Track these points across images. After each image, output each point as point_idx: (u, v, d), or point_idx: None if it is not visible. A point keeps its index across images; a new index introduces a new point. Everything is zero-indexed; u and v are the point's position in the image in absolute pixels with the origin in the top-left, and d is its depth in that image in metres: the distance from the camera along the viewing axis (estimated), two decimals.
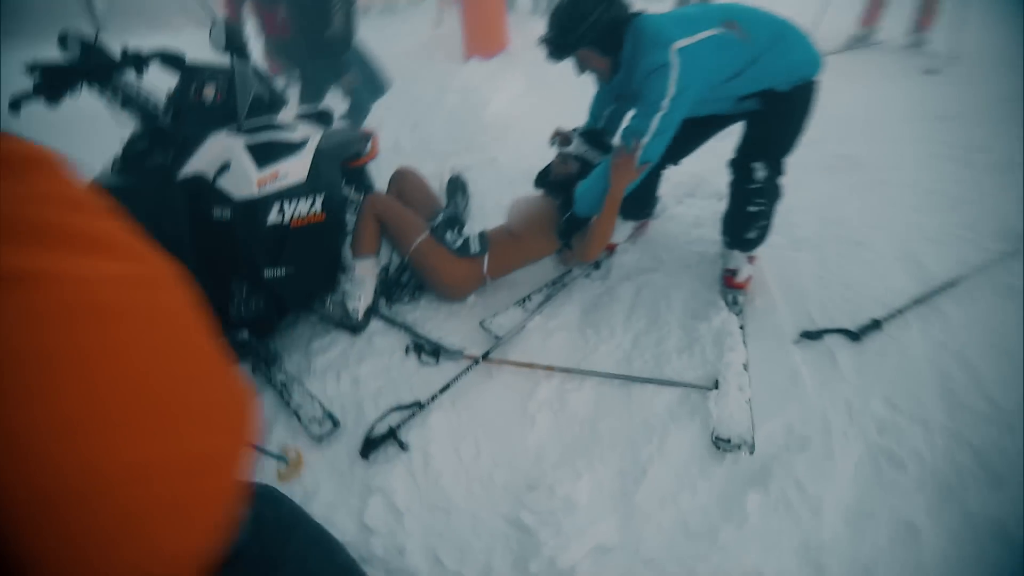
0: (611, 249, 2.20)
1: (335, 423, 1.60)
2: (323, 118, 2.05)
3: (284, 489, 1.45)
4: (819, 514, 1.25)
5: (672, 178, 2.31)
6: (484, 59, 5.11)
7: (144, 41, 1.82)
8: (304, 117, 1.99)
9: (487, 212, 2.70)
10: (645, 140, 1.59)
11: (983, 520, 1.22)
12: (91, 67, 1.48)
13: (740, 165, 1.76)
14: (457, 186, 2.71)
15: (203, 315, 0.49)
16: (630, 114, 1.68)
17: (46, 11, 6.82)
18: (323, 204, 1.82)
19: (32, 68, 1.46)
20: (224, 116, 1.72)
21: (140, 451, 0.38)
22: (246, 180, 1.62)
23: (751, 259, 1.87)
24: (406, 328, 1.93)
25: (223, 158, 1.64)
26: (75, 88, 1.50)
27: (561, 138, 1.98)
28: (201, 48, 1.68)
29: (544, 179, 2.07)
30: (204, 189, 1.62)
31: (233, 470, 0.47)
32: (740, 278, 1.84)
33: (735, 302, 1.83)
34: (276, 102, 1.95)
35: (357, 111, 3.52)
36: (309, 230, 1.78)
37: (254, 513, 0.84)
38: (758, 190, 1.72)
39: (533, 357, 1.75)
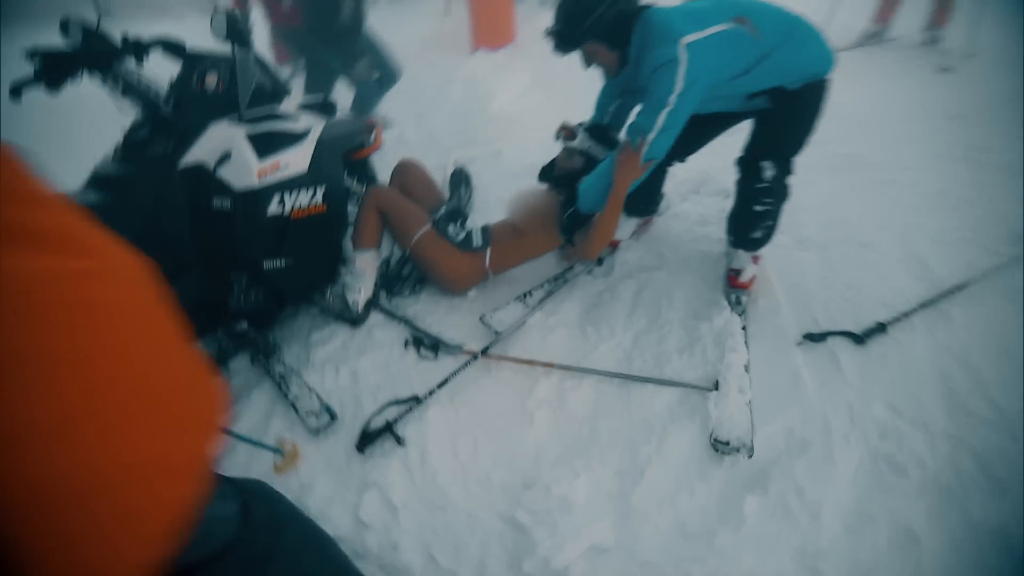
0: (614, 246, 2.18)
1: (332, 416, 1.60)
2: (326, 108, 2.03)
3: (280, 482, 1.46)
4: (818, 519, 1.24)
5: (677, 175, 2.28)
6: (491, 51, 5.07)
7: (147, 28, 1.80)
8: (307, 107, 1.97)
9: (490, 206, 2.68)
10: (651, 137, 1.56)
11: (984, 527, 1.20)
12: (91, 54, 1.47)
13: (748, 164, 1.74)
14: (460, 179, 2.69)
15: (170, 310, 0.48)
16: (636, 109, 1.65)
17: None
18: (324, 196, 1.80)
19: (32, 54, 1.45)
20: (226, 105, 1.71)
21: (86, 456, 0.37)
22: (247, 170, 1.61)
23: (755, 259, 1.84)
24: (406, 322, 1.92)
25: (224, 148, 1.63)
26: (75, 75, 1.48)
27: (566, 132, 1.95)
28: (204, 36, 1.66)
29: (548, 173, 2.04)
30: (204, 179, 1.61)
31: (191, 476, 0.46)
32: (744, 278, 1.82)
33: (738, 302, 1.81)
34: (278, 92, 1.94)
35: (363, 101, 3.49)
36: (310, 222, 1.77)
37: (245, 509, 0.84)
38: (766, 189, 1.70)
39: (533, 354, 1.73)
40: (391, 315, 1.97)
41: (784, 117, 1.66)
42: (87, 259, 0.44)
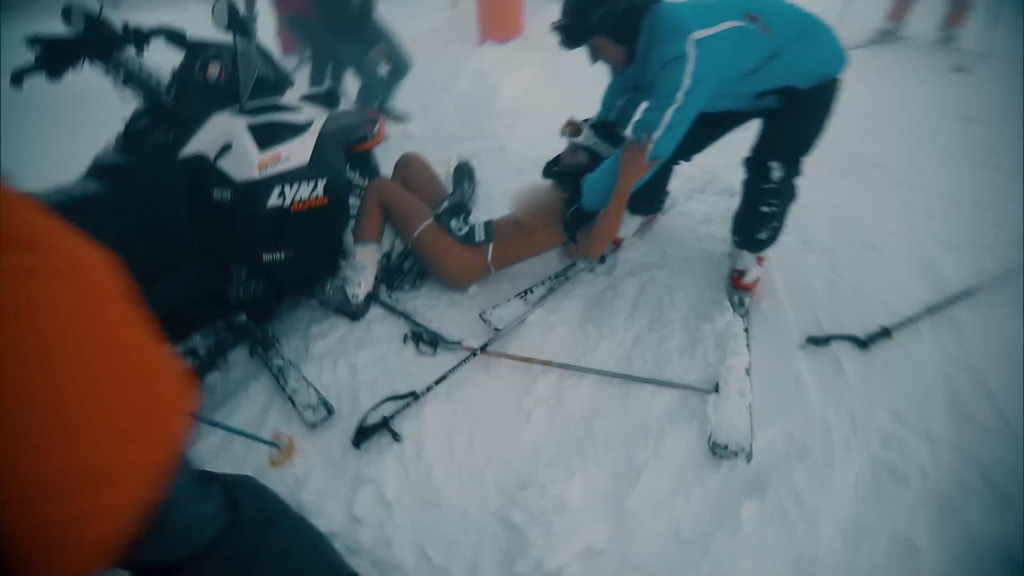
0: (617, 243, 2.15)
1: (329, 410, 1.60)
2: (329, 100, 2.01)
3: (275, 475, 1.46)
4: (815, 526, 1.22)
5: (683, 172, 2.25)
6: (499, 43, 5.04)
7: (151, 17, 1.79)
8: (310, 98, 1.95)
9: (494, 200, 2.66)
10: (657, 134, 1.53)
11: (986, 540, 1.18)
12: (91, 42, 1.45)
13: (756, 164, 1.70)
14: (464, 173, 2.67)
15: (137, 308, 0.47)
16: (643, 106, 1.62)
17: None
18: (325, 188, 1.79)
19: (32, 41, 1.44)
20: (228, 95, 1.70)
21: (45, 458, 0.36)
22: (247, 162, 1.60)
23: (760, 260, 1.82)
24: (406, 316, 1.91)
25: (225, 139, 1.62)
26: (76, 63, 1.47)
27: (572, 128, 1.93)
28: (207, 26, 1.65)
29: (552, 169, 2.02)
30: (205, 170, 1.60)
31: (143, 483, 0.44)
32: (748, 279, 1.80)
33: (741, 304, 1.78)
34: (281, 82, 1.92)
35: (368, 93, 3.47)
36: (310, 214, 1.76)
37: (235, 505, 0.83)
38: (773, 190, 1.67)
39: (532, 351, 1.72)
40: (391, 309, 1.96)
41: (794, 117, 1.63)
42: (49, 256, 0.42)
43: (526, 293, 1.95)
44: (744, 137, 1.80)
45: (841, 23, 3.41)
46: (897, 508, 1.25)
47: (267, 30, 5.06)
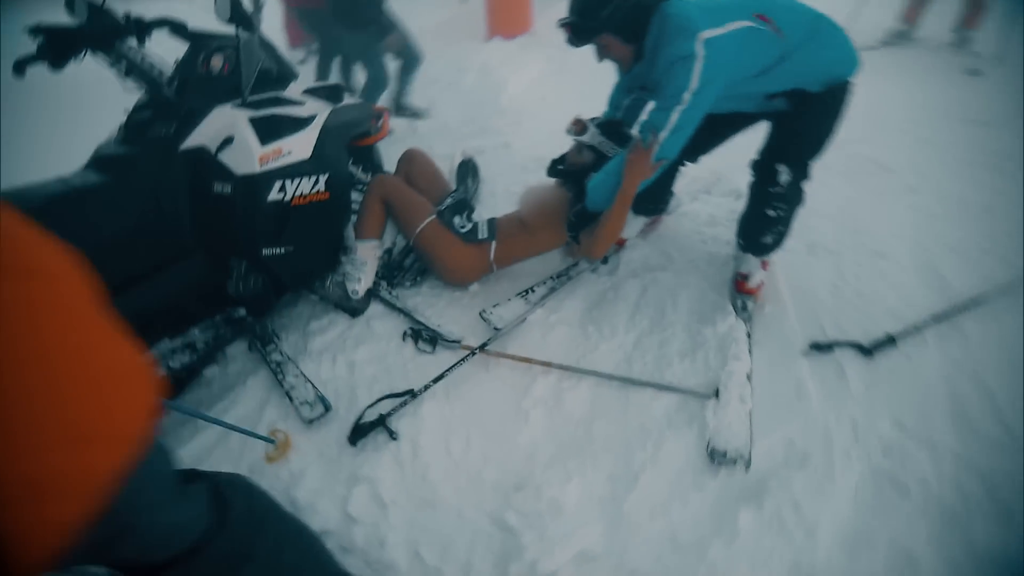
0: (620, 244, 2.14)
1: (327, 407, 1.59)
2: (333, 94, 2.00)
3: (270, 472, 1.46)
4: (814, 536, 1.21)
5: (688, 173, 2.22)
6: (506, 39, 5.00)
7: (156, 8, 1.78)
8: (313, 92, 1.93)
9: (497, 198, 2.65)
10: (663, 135, 1.50)
11: (988, 554, 1.16)
12: (93, 32, 1.45)
13: (763, 167, 1.68)
14: (468, 170, 2.66)
15: (101, 311, 0.45)
16: (649, 106, 1.60)
17: None
18: (327, 183, 1.78)
19: (34, 31, 1.43)
20: (232, 88, 1.69)
21: None
22: (248, 156, 1.59)
23: (765, 264, 1.79)
24: (405, 313, 1.90)
25: (227, 132, 1.61)
26: (78, 53, 1.46)
27: (578, 126, 1.90)
28: (214, 17, 1.64)
29: (557, 168, 2.00)
30: (206, 162, 1.60)
31: (85, 496, 0.43)
32: (752, 283, 1.77)
33: (744, 308, 1.76)
34: (285, 76, 1.91)
35: (375, 86, 3.44)
36: (311, 209, 1.75)
37: (225, 505, 0.82)
38: (779, 194, 1.64)
39: (532, 351, 1.71)
40: (391, 306, 1.95)
41: (803, 120, 1.60)
42: (7, 256, 0.41)
43: (527, 292, 1.94)
44: (751, 138, 1.77)
45: (853, 24, 3.36)
46: (897, 518, 1.23)
47: (274, 22, 5.05)
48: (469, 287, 2.02)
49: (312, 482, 1.42)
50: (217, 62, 1.70)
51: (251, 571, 0.84)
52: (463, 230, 1.95)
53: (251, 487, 0.90)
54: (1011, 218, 2.12)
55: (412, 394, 1.58)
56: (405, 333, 1.82)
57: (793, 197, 1.66)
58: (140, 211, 1.51)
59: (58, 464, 0.41)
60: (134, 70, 1.56)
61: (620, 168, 1.61)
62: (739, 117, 1.75)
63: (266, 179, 1.62)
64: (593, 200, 1.73)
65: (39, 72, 1.50)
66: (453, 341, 1.76)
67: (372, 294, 1.97)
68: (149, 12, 1.60)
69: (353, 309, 1.91)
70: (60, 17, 1.48)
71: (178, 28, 1.60)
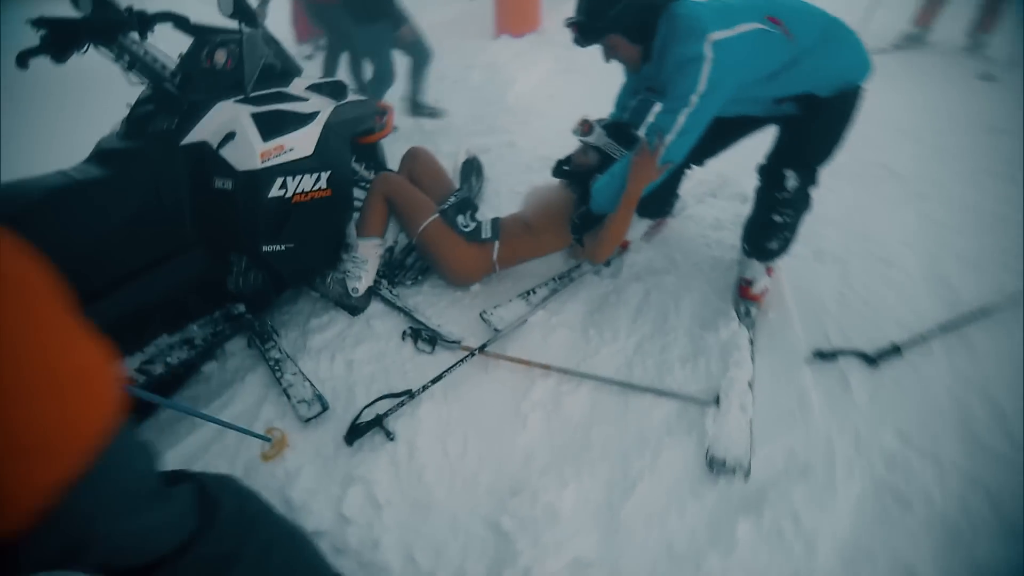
0: (624, 247, 2.11)
1: (324, 406, 1.58)
2: (337, 90, 1.98)
3: (265, 470, 1.45)
4: (813, 549, 1.19)
5: (694, 176, 2.20)
6: (514, 37, 4.99)
7: (159, 2, 1.76)
8: (317, 88, 1.92)
9: (501, 197, 2.63)
10: (669, 138, 1.48)
11: (991, 572, 1.14)
12: (95, 25, 1.44)
13: (770, 171, 1.65)
14: (472, 168, 2.64)
15: (61, 308, 0.44)
16: (656, 108, 1.57)
17: None
18: (329, 180, 1.77)
19: (37, 23, 1.42)
20: (235, 83, 1.68)
21: None
22: (249, 151, 1.58)
23: (770, 271, 1.77)
24: (406, 312, 1.89)
25: (228, 127, 1.60)
26: (80, 46, 1.46)
27: (585, 127, 1.87)
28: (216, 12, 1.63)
29: (562, 169, 1.97)
30: (207, 157, 1.59)
31: (31, 507, 0.41)
32: (756, 289, 1.75)
33: (748, 314, 1.74)
34: (288, 71, 1.90)
35: (381, 81, 3.41)
36: (312, 206, 1.74)
37: (213, 505, 0.81)
38: (786, 200, 1.61)
39: (532, 354, 1.69)
40: (391, 305, 1.94)
41: (812, 125, 1.57)
42: None
43: (528, 294, 1.92)
44: (759, 141, 1.75)
45: (865, 26, 3.32)
46: (899, 533, 1.21)
47: (282, 17, 5.05)
48: (470, 287, 2.01)
49: (307, 481, 1.41)
50: (221, 57, 1.70)
51: (240, 572, 0.82)
52: (466, 229, 1.93)
53: (241, 488, 0.89)
54: (1021, 226, 2.08)
55: (410, 394, 1.57)
56: (404, 333, 1.81)
57: (800, 203, 1.63)
58: (140, 205, 1.50)
59: None
60: (137, 64, 1.55)
61: (625, 171, 1.59)
62: (747, 121, 1.72)
63: (267, 175, 1.61)
64: (598, 202, 1.71)
65: (43, 65, 1.49)
66: (453, 342, 1.75)
67: (373, 292, 1.96)
68: (153, 6, 1.59)
69: (353, 307, 1.90)
70: (62, 10, 1.47)
71: (180, 22, 1.59)
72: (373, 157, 2.31)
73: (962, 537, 1.19)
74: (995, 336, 1.63)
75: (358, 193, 2.19)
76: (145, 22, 1.49)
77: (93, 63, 1.67)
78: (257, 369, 1.73)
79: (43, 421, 0.45)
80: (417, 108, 3.60)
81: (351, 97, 2.00)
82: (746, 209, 1.80)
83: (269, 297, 1.79)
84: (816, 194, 1.69)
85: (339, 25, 3.46)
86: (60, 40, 1.44)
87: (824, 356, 1.60)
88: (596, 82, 2.74)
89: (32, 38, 1.44)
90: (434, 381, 1.60)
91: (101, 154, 1.56)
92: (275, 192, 1.64)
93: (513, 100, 3.74)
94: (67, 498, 0.51)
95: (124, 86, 1.66)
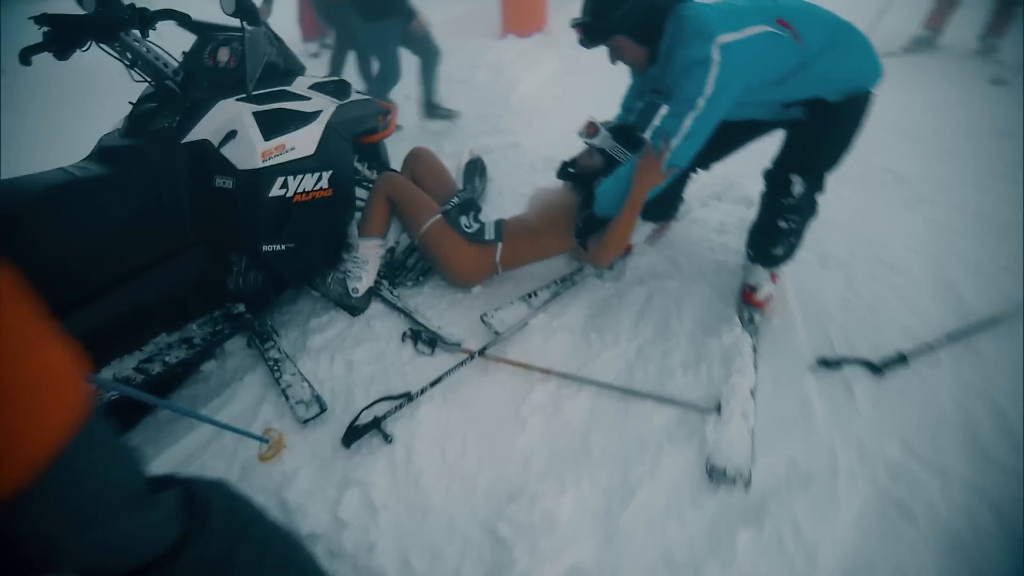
0: (627, 250, 2.09)
1: (322, 407, 1.57)
2: (340, 89, 1.98)
3: (263, 471, 1.44)
4: (814, 560, 1.17)
5: (699, 179, 2.18)
6: (520, 37, 4.97)
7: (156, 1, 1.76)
8: (320, 87, 1.91)
9: (504, 198, 2.62)
10: (675, 142, 1.45)
11: None
12: (97, 22, 1.43)
13: (776, 176, 1.63)
14: (476, 169, 2.63)
15: (21, 311, 0.42)
16: (663, 110, 1.55)
17: None
18: (330, 180, 1.76)
19: (39, 20, 1.42)
20: (237, 82, 1.67)
21: None
22: (250, 150, 1.57)
23: (774, 277, 1.74)
24: (406, 313, 1.88)
25: (230, 126, 1.59)
26: (83, 43, 1.45)
27: (590, 129, 1.85)
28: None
29: (567, 171, 1.96)
30: (208, 156, 1.58)
31: None
32: (760, 296, 1.73)
33: (751, 320, 1.71)
34: (291, 70, 1.90)
35: (386, 80, 3.40)
36: (313, 206, 1.73)
37: (204, 511, 0.80)
38: (792, 205, 1.59)
39: (532, 357, 1.68)
40: (392, 306, 1.93)
41: (820, 130, 1.54)
42: None
43: (530, 296, 1.91)
44: (765, 145, 1.73)
45: (875, 29, 3.28)
46: (903, 546, 1.19)
47: (288, 15, 5.05)
48: (472, 289, 2.00)
49: (304, 483, 1.40)
50: (223, 55, 1.69)
51: None
52: (469, 230, 1.92)
53: (233, 493, 0.88)
54: None
55: (409, 397, 1.56)
56: (404, 334, 1.80)
57: (806, 209, 1.61)
58: (141, 204, 1.50)
59: None
60: (139, 61, 1.55)
61: (630, 174, 1.57)
62: (754, 125, 1.70)
63: (268, 174, 1.60)
64: (602, 206, 1.68)
65: (46, 62, 1.49)
66: (453, 344, 1.74)
67: (373, 293, 1.96)
68: (156, 4, 1.59)
69: (353, 307, 1.89)
70: (64, 8, 1.47)
71: (182, 19, 1.58)
72: (376, 157, 2.30)
73: (967, 550, 1.17)
74: (1002, 345, 1.60)
75: (360, 193, 2.18)
76: (146, 20, 1.48)
77: (96, 60, 1.67)
78: (256, 369, 1.73)
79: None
80: (431, 110, 3.55)
81: (354, 96, 1.99)
82: (751, 213, 1.78)
83: (269, 297, 1.78)
84: (822, 199, 1.66)
85: (347, 23, 3.45)
86: (63, 37, 1.44)
87: (828, 364, 1.57)
88: (602, 83, 2.73)
89: (34, 35, 1.44)
90: (433, 384, 1.59)
91: (102, 152, 1.56)
92: (276, 191, 1.63)
93: (518, 100, 3.73)
94: (24, 508, 0.49)
95: (127, 83, 1.66)
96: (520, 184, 2.66)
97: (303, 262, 1.79)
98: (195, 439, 1.53)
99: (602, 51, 1.63)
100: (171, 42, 1.69)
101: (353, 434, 1.48)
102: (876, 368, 1.54)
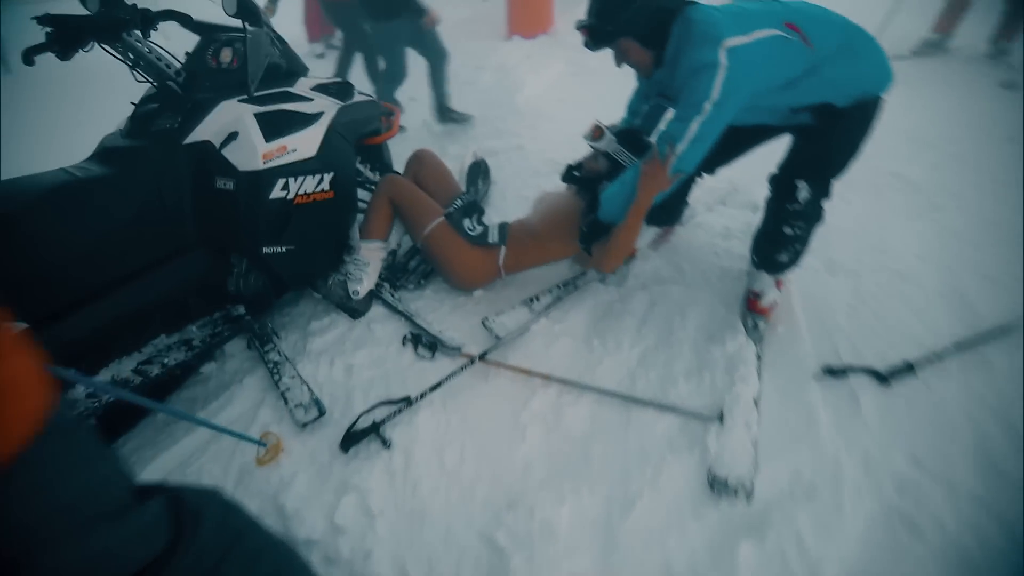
0: (631, 254, 2.07)
1: (321, 411, 1.56)
2: (343, 90, 1.97)
3: (260, 475, 1.43)
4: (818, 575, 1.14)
5: (704, 183, 2.16)
6: (526, 39, 4.96)
7: (166, 1, 1.76)
8: (323, 88, 1.90)
9: (508, 201, 2.61)
10: (681, 147, 1.43)
11: None
12: (99, 22, 1.43)
13: (782, 182, 1.60)
14: (479, 171, 2.62)
15: None
16: (669, 114, 1.53)
17: None
18: (332, 182, 1.75)
19: (42, 21, 1.42)
20: (240, 83, 1.67)
21: None
22: (251, 152, 1.56)
23: (779, 283, 1.72)
24: (407, 317, 1.87)
25: (231, 127, 1.58)
26: (84, 43, 1.45)
27: (596, 132, 1.83)
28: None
29: (573, 174, 1.94)
30: (209, 157, 1.58)
31: None
32: (764, 303, 1.70)
33: (755, 328, 1.69)
34: (294, 71, 1.89)
35: (391, 79, 3.38)
36: (314, 208, 1.72)
37: (193, 520, 0.79)
38: (798, 212, 1.56)
39: (533, 362, 1.66)
40: (393, 309, 1.92)
41: (828, 136, 1.52)
42: None
43: (532, 301, 1.89)
44: (772, 148, 1.70)
45: (884, 32, 3.25)
46: (909, 562, 1.16)
47: (294, 16, 5.06)
48: (474, 292, 1.98)
49: (301, 488, 1.39)
50: (226, 56, 1.69)
51: None
52: (473, 233, 1.90)
53: (226, 502, 0.86)
54: None
55: (408, 402, 1.54)
56: (405, 338, 1.79)
57: (811, 215, 1.58)
58: (141, 205, 1.49)
59: None
60: (141, 62, 1.55)
61: (635, 179, 1.55)
62: (761, 130, 1.68)
63: (269, 176, 1.60)
64: (606, 211, 1.66)
65: (49, 62, 1.49)
66: (453, 348, 1.72)
67: (374, 296, 1.94)
68: (160, 5, 1.58)
69: (353, 310, 1.88)
70: (66, 8, 1.46)
71: (184, 20, 1.58)
72: (379, 158, 2.30)
73: (976, 568, 1.14)
74: (1013, 355, 1.57)
75: (363, 195, 2.17)
76: (148, 20, 1.48)
77: (99, 60, 1.67)
78: (256, 371, 1.72)
79: None
80: (445, 113, 3.50)
81: (357, 97, 1.99)
82: (757, 218, 1.75)
83: (269, 299, 1.77)
84: (828, 205, 1.64)
85: (355, 23, 3.44)
86: (65, 37, 1.44)
87: (834, 373, 1.55)
88: (608, 85, 2.71)
89: (36, 36, 1.44)
90: (433, 389, 1.58)
91: (103, 152, 1.56)
92: (277, 193, 1.62)
93: (523, 102, 3.71)
94: None
95: (130, 83, 1.66)
96: (524, 187, 2.64)
97: (304, 264, 1.78)
98: (193, 441, 1.52)
99: (608, 53, 1.61)
100: (176, 43, 1.69)
101: (351, 439, 1.47)
102: (883, 378, 1.52)
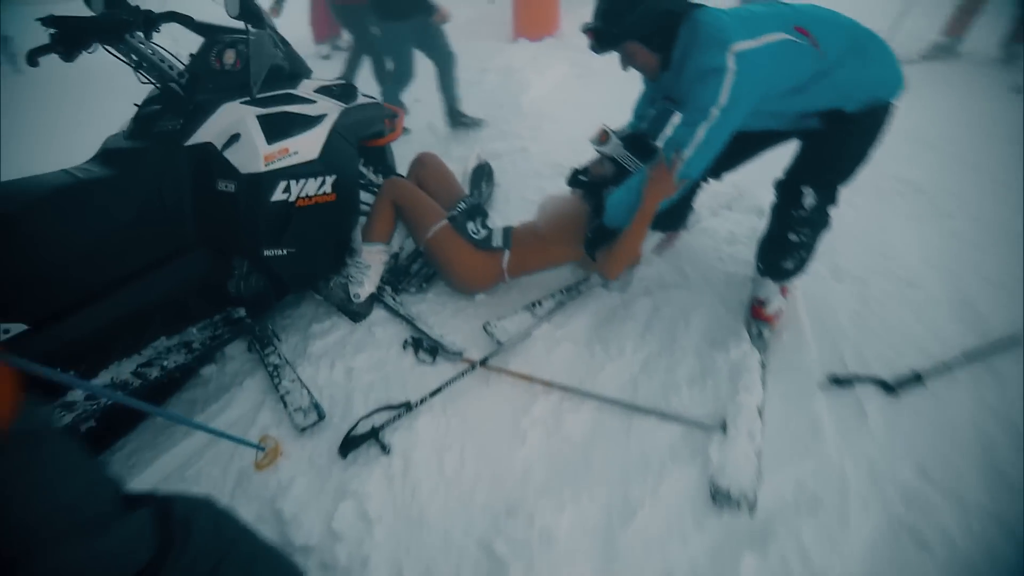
0: (635, 260, 2.05)
1: (320, 415, 1.55)
2: (346, 92, 1.96)
3: (258, 479, 1.43)
4: None
5: (709, 188, 2.14)
6: (531, 41, 4.95)
7: (171, 3, 1.76)
8: (326, 90, 1.90)
9: (511, 204, 2.59)
10: (687, 153, 1.41)
11: None
12: (102, 24, 1.43)
13: (788, 187, 1.58)
14: (482, 174, 2.61)
15: None
16: (676, 118, 1.51)
17: None
18: (334, 185, 1.75)
19: (45, 22, 1.42)
20: (243, 84, 1.66)
21: None
22: (253, 154, 1.56)
23: (784, 291, 1.70)
24: (408, 321, 1.86)
25: (233, 129, 1.58)
26: (88, 45, 1.45)
27: (602, 136, 1.81)
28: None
29: (577, 178, 1.92)
30: (211, 159, 1.57)
31: None
32: (769, 310, 1.68)
33: (760, 335, 1.67)
34: (297, 73, 1.88)
35: (399, 80, 3.37)
36: (316, 210, 1.72)
37: (183, 529, 0.78)
38: (803, 218, 1.54)
39: (535, 368, 1.65)
40: (394, 312, 1.91)
41: (836, 141, 1.49)
42: None
43: (534, 305, 1.88)
44: (778, 153, 1.68)
45: (894, 35, 3.21)
46: None
47: (300, 17, 5.07)
48: (475, 296, 1.97)
49: (299, 493, 1.38)
50: (229, 57, 1.68)
51: None
52: (477, 236, 1.89)
53: (219, 510, 0.86)
54: None
55: (408, 407, 1.53)
56: (406, 342, 1.78)
57: (818, 222, 1.56)
58: (142, 206, 1.49)
59: None
60: (144, 63, 1.54)
61: (641, 185, 1.53)
62: (769, 135, 1.65)
63: (271, 179, 1.59)
64: (611, 217, 1.64)
65: (52, 63, 1.49)
66: (454, 353, 1.71)
67: (376, 299, 1.94)
68: (165, 6, 1.58)
69: (354, 313, 1.87)
70: (68, 9, 1.46)
71: (186, 21, 1.58)
72: (382, 161, 2.29)
73: None
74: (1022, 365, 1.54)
75: (366, 197, 2.17)
76: (151, 22, 1.48)
77: (102, 62, 1.67)
78: (256, 374, 1.72)
79: None
80: (456, 118, 3.47)
81: (361, 100, 1.98)
82: (762, 223, 1.73)
83: (270, 302, 1.77)
84: (835, 210, 1.61)
85: (364, 25, 3.44)
86: (69, 39, 1.44)
87: (839, 382, 1.52)
88: (613, 88, 2.69)
89: (40, 37, 1.44)
90: (433, 394, 1.57)
91: (106, 153, 1.56)
92: (278, 196, 1.62)
93: (528, 104, 3.70)
94: None
95: (133, 85, 1.66)
96: (527, 190, 2.63)
97: (305, 267, 1.78)
98: (192, 444, 1.52)
99: (614, 56, 1.59)
100: (184, 45, 1.69)
101: (350, 444, 1.46)
102: (889, 387, 1.49)
